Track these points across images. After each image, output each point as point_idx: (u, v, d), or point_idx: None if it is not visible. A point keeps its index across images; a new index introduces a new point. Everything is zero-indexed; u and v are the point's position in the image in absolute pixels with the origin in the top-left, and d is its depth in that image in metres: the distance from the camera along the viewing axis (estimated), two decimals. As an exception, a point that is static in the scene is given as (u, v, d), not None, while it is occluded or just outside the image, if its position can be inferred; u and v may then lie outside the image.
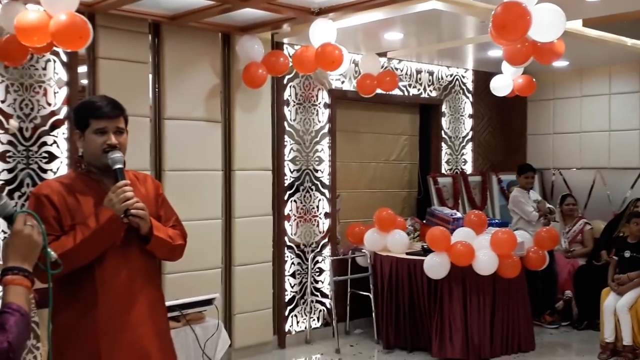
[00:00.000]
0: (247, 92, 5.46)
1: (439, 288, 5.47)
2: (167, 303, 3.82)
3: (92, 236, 2.47)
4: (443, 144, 7.44)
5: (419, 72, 7.13)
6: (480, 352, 5.45)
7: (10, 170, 4.38)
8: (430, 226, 5.99)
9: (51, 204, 2.52)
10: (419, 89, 7.14)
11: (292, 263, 5.99)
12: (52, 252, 1.87)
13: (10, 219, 1.81)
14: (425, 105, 7.38)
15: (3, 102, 4.35)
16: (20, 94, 4.43)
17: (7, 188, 4.36)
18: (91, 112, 2.60)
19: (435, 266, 5.39)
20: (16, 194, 4.40)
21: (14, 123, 4.41)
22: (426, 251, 5.58)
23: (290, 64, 5.38)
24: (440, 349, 5.41)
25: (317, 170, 6.15)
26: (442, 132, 7.42)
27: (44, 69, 4.53)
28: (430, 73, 7.25)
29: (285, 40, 5.78)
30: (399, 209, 7.12)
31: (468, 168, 7.70)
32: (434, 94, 7.30)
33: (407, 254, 5.83)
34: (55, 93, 4.59)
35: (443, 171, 7.42)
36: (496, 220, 6.61)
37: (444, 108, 7.42)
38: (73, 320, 2.53)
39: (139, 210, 2.53)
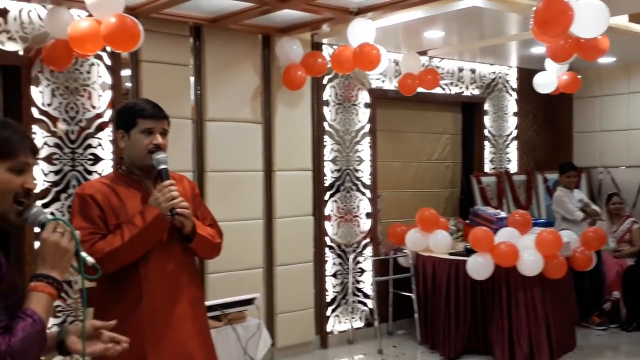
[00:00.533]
0: (288, 92, 5.48)
1: (482, 289, 5.40)
2: (209, 302, 3.89)
3: (139, 234, 2.53)
4: (486, 143, 7.34)
5: (460, 70, 7.04)
6: (525, 354, 5.35)
7: (57, 172, 4.49)
8: (474, 226, 5.91)
9: (96, 204, 2.59)
10: (460, 87, 7.05)
11: (334, 263, 5.98)
12: (89, 257, 1.84)
13: (43, 227, 1.81)
14: (468, 104, 7.29)
15: (49, 105, 4.46)
16: (66, 97, 4.53)
17: (54, 189, 4.47)
18: (139, 112, 2.65)
19: (479, 267, 5.31)
20: (63, 196, 4.50)
21: (62, 126, 4.52)
22: (469, 251, 5.51)
23: (329, 64, 5.38)
24: (484, 351, 5.33)
25: (357, 170, 6.13)
26: (486, 130, 7.32)
27: (89, 72, 4.63)
28: (473, 71, 7.15)
29: (325, 41, 5.78)
30: (441, 208, 7.05)
31: (512, 167, 7.57)
32: (476, 92, 7.20)
33: (450, 254, 5.76)
34: (99, 96, 4.69)
35: (486, 170, 7.31)
36: (541, 220, 6.48)
37: (486, 106, 7.31)
38: (119, 318, 2.50)
39: (184, 210, 2.59)
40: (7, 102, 4.41)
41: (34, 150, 1.79)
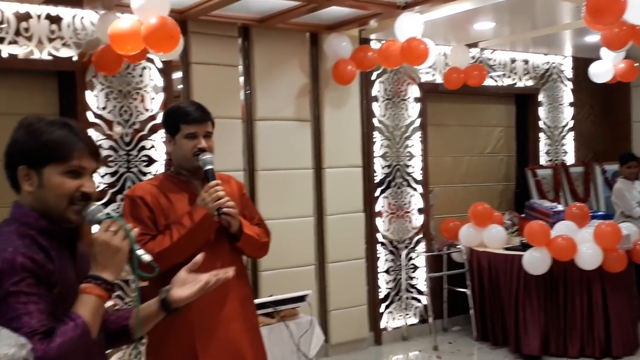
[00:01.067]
0: (336, 90, 5.48)
1: (539, 284, 5.28)
2: (261, 300, 3.93)
3: (188, 234, 2.57)
4: (541, 135, 7.17)
5: (513, 61, 6.90)
6: (584, 350, 5.22)
7: (112, 174, 4.60)
8: (529, 220, 5.78)
9: (145, 205, 2.64)
10: (513, 79, 6.91)
11: (386, 259, 5.95)
12: (146, 255, 1.80)
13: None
14: (521, 95, 7.14)
15: (104, 109, 4.57)
16: (120, 101, 4.64)
17: (110, 191, 4.59)
18: (182, 118, 2.70)
19: (535, 261, 5.20)
20: (118, 197, 4.61)
21: (117, 129, 4.63)
22: (525, 246, 5.40)
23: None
24: (541, 347, 5.22)
25: (408, 166, 6.09)
26: (540, 122, 7.15)
27: (141, 76, 4.73)
28: (525, 62, 7.00)
29: (373, 37, 5.75)
30: (495, 203, 6.92)
31: (569, 159, 7.38)
32: (530, 83, 7.04)
33: (505, 249, 5.66)
34: (152, 99, 4.78)
35: (542, 163, 7.15)
36: (600, 213, 6.30)
37: (541, 97, 7.15)
38: (167, 321, 2.52)
39: (231, 209, 2.62)
40: (63, 106, 4.55)
41: (94, 154, 1.77)
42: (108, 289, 1.71)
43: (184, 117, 2.69)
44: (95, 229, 1.75)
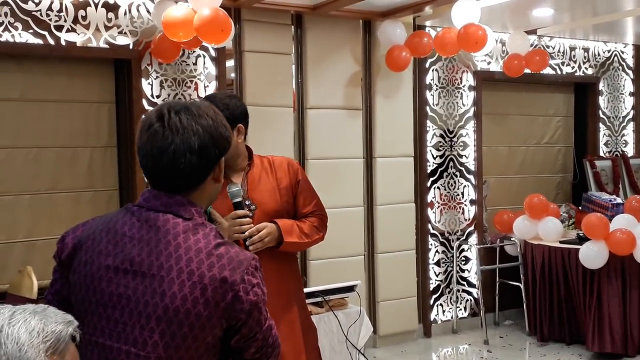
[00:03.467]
0: (388, 78, 5.41)
1: (596, 278, 5.14)
2: (310, 289, 3.92)
3: None
4: (601, 125, 6.95)
5: (572, 49, 6.69)
6: (637, 346, 5.07)
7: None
8: (587, 213, 5.63)
9: None
10: (573, 67, 6.71)
11: (437, 251, 5.87)
12: None
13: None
14: (581, 84, 6.92)
15: (158, 97, 4.62)
16: (174, 89, 4.68)
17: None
18: None
19: (592, 255, 5.05)
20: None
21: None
22: (582, 239, 5.25)
23: (432, 47, 5.25)
24: (597, 343, 5.08)
25: (461, 156, 5.98)
26: (600, 112, 6.93)
27: (195, 64, 4.76)
28: (586, 49, 6.78)
29: (428, 23, 5.65)
30: (552, 194, 6.76)
31: (629, 150, 7.13)
32: (589, 71, 6.82)
33: (561, 242, 5.51)
34: (205, 87, 4.81)
35: (601, 154, 6.92)
36: (661, 207, 6.06)
37: (601, 86, 6.92)
38: None
39: (256, 245, 2.57)
40: (118, 94, 4.61)
41: None
42: None
43: None
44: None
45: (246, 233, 2.55)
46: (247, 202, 2.64)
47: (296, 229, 2.71)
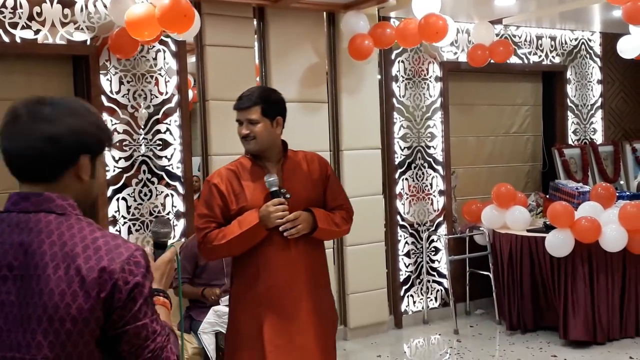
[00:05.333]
0: (354, 70, 5.39)
1: (563, 266, 5.16)
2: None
3: (238, 237, 2.77)
4: (569, 113, 6.97)
5: (539, 37, 6.70)
6: (609, 334, 5.12)
7: (127, 159, 4.60)
8: (554, 201, 5.65)
9: (218, 193, 2.85)
10: (540, 56, 6.72)
11: (406, 242, 5.87)
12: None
13: (160, 246, 1.97)
14: (548, 73, 6.94)
15: (118, 92, 4.56)
16: (133, 85, 4.62)
17: (125, 175, 4.59)
18: (234, 106, 2.95)
19: (558, 243, 5.07)
20: (133, 181, 4.62)
21: (143, 111, 4.62)
22: (548, 228, 5.27)
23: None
24: (566, 330, 5.11)
25: (429, 147, 5.97)
26: (568, 100, 6.95)
27: (155, 59, 4.70)
28: (553, 38, 6.80)
29: (392, 14, 5.62)
30: (521, 184, 6.79)
31: (598, 137, 7.17)
32: (557, 60, 6.84)
33: (528, 231, 5.53)
34: (166, 82, 4.75)
35: (570, 142, 6.96)
36: (626, 193, 6.13)
37: (569, 74, 6.94)
38: (241, 290, 2.90)
39: (291, 231, 2.79)
40: (77, 90, 4.55)
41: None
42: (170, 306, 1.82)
43: (235, 104, 2.95)
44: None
45: (284, 220, 2.76)
46: (282, 191, 2.82)
47: (329, 218, 2.92)
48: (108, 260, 1.44)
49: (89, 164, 1.56)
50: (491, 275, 5.75)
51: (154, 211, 4.68)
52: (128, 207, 4.60)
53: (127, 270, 1.46)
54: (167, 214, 4.73)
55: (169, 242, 2.00)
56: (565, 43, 6.89)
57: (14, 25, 4.20)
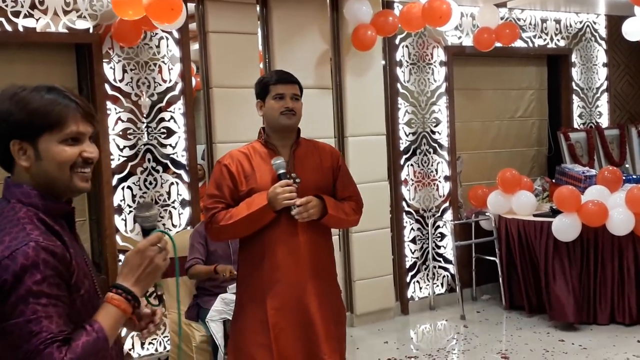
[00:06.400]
0: (358, 56, 5.35)
1: (569, 251, 5.15)
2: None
3: (246, 218, 2.77)
4: (574, 97, 6.94)
5: (544, 21, 6.65)
6: (617, 317, 5.11)
7: (131, 147, 4.58)
8: (560, 185, 5.62)
9: (229, 173, 2.86)
10: (545, 39, 6.67)
11: (412, 229, 5.86)
12: (161, 285, 1.91)
13: (146, 232, 1.76)
14: (553, 56, 6.90)
15: (121, 81, 4.54)
16: (137, 73, 4.59)
17: (130, 164, 4.58)
18: (270, 80, 2.92)
19: (565, 228, 5.06)
20: (138, 169, 4.60)
21: (145, 100, 4.60)
22: (555, 212, 5.26)
23: (399, 25, 5.19)
24: (571, 314, 5.10)
25: (434, 132, 5.95)
26: (573, 83, 6.91)
27: (158, 46, 4.67)
28: (557, 21, 6.74)
29: (396, -1, 5.59)
30: (527, 168, 6.76)
31: (604, 121, 7.14)
32: (562, 43, 6.79)
33: (535, 215, 5.51)
34: (170, 70, 4.73)
35: (575, 126, 6.92)
36: (634, 176, 6.09)
37: (574, 58, 6.89)
38: (247, 274, 2.91)
39: (302, 215, 2.77)
40: (80, 79, 4.53)
41: (88, 116, 1.64)
42: (135, 306, 1.63)
43: (272, 79, 2.92)
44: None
45: (297, 202, 2.75)
46: (292, 175, 2.85)
47: (338, 206, 2.92)
48: None
49: (28, 147, 1.58)
50: (497, 261, 5.74)
51: (159, 199, 4.68)
52: (133, 196, 4.59)
53: (3, 265, 1.46)
54: (173, 202, 4.72)
55: (154, 227, 1.76)
56: (570, 26, 6.84)
57: (17, 14, 4.18)
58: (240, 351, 2.88)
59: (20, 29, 4.19)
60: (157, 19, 3.98)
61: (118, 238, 4.53)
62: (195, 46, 4.93)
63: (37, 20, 4.24)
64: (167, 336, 4.61)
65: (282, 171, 2.81)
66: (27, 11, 4.21)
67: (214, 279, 4.02)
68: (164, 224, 4.69)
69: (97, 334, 1.51)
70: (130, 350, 4.61)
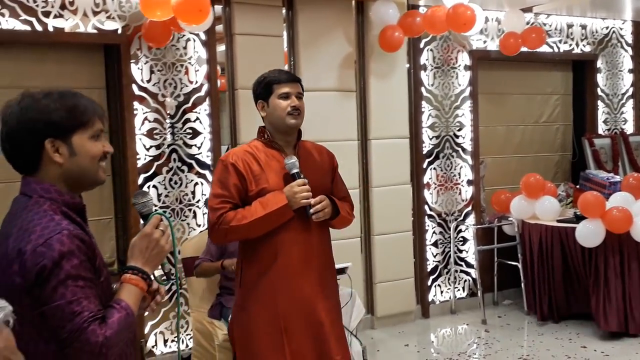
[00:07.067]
0: (382, 59, 5.36)
1: (593, 257, 5.11)
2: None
3: (264, 217, 2.71)
4: (599, 103, 6.89)
5: (570, 26, 6.62)
6: (638, 325, 5.05)
7: (157, 147, 4.64)
8: (584, 191, 5.58)
9: (236, 172, 2.78)
10: (570, 45, 6.63)
11: (434, 232, 5.85)
12: (168, 264, 1.92)
13: (146, 218, 1.88)
14: (579, 62, 6.85)
15: (148, 81, 4.60)
16: (164, 74, 4.65)
17: (156, 163, 4.63)
18: (274, 80, 2.87)
19: (589, 234, 5.02)
20: (164, 169, 4.66)
21: (169, 101, 4.66)
22: (579, 218, 5.22)
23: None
24: (598, 321, 5.06)
25: (458, 136, 5.94)
26: (598, 89, 6.86)
27: (185, 48, 4.72)
28: (583, 27, 6.70)
29: (421, 2, 5.59)
30: (551, 173, 6.72)
31: (629, 127, 7.07)
32: (587, 49, 6.75)
33: (558, 221, 5.48)
34: (196, 71, 4.78)
35: (600, 132, 6.87)
36: (660, 184, 6.01)
37: (599, 64, 6.85)
38: (254, 276, 2.83)
39: (318, 214, 2.77)
40: (108, 79, 4.59)
41: (102, 115, 1.83)
42: (149, 283, 1.79)
43: (277, 78, 2.88)
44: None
45: (310, 200, 2.74)
46: (302, 175, 2.81)
47: (342, 206, 2.94)
48: (25, 242, 1.56)
49: (61, 145, 1.69)
50: (520, 266, 5.71)
51: (184, 199, 4.72)
52: (159, 195, 4.65)
53: (39, 252, 1.55)
54: (197, 202, 4.77)
55: (151, 212, 1.89)
56: (596, 32, 6.79)
57: (47, 14, 4.25)
58: (252, 355, 2.83)
59: (50, 29, 4.27)
60: (185, 20, 4.03)
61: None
62: (221, 48, 4.98)
63: (67, 20, 4.31)
64: (190, 334, 4.65)
65: (295, 170, 2.78)
66: (57, 11, 4.28)
67: (233, 279, 4.05)
68: (188, 224, 4.74)
69: (126, 310, 1.66)
70: (153, 347, 4.66)
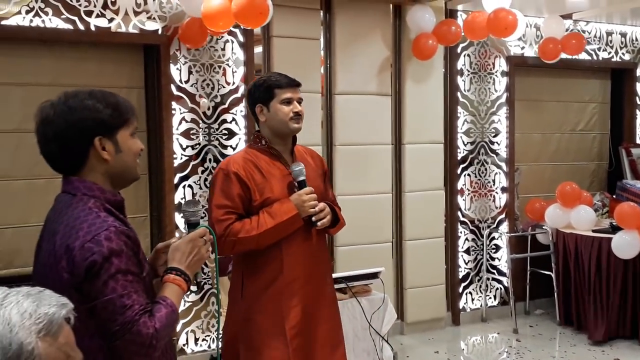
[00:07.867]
0: (419, 63, 5.34)
1: (630, 268, 5.03)
2: (334, 275, 3.91)
3: (274, 228, 2.65)
4: (638, 112, 6.77)
5: (609, 33, 6.52)
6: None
7: (194, 147, 4.68)
8: (621, 202, 5.50)
9: (239, 182, 2.69)
10: (609, 52, 6.54)
11: (466, 239, 5.81)
12: (200, 273, 2.07)
13: (191, 226, 1.99)
14: (617, 70, 6.75)
15: (187, 82, 4.64)
16: (202, 74, 4.69)
17: (192, 163, 4.67)
18: (275, 84, 2.78)
19: (625, 245, 4.95)
20: (200, 169, 4.69)
21: (205, 102, 4.70)
22: (615, 229, 5.14)
23: (463, 32, 5.16)
24: (633, 336, 4.98)
25: (493, 143, 5.89)
26: (637, 98, 6.75)
27: (223, 49, 4.76)
28: (623, 34, 6.60)
29: (460, 7, 5.55)
30: (586, 182, 6.63)
31: (668, 138, 6.94)
32: (627, 57, 6.64)
33: (594, 231, 5.40)
34: (233, 72, 4.81)
35: (638, 141, 6.75)
36: (699, 196, 5.90)
37: (639, 72, 6.73)
38: (259, 287, 2.75)
39: (323, 221, 2.74)
40: (147, 79, 4.64)
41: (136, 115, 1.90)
42: (189, 287, 1.86)
43: (278, 83, 2.79)
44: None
45: (316, 209, 2.71)
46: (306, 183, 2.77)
47: (339, 213, 2.90)
48: (73, 238, 1.60)
49: (108, 142, 1.74)
50: (553, 275, 5.64)
51: (218, 199, 4.75)
52: (193, 195, 4.69)
53: (87, 248, 1.59)
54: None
55: (199, 221, 2.02)
56: (636, 40, 6.68)
57: (89, 14, 4.31)
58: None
59: (92, 28, 4.33)
60: (247, 24, 4.10)
61: (177, 234, 4.62)
62: (258, 49, 5.01)
63: (109, 20, 4.37)
64: (221, 333, 4.67)
65: (302, 178, 2.72)
66: (100, 11, 4.34)
67: None
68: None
69: (171, 307, 1.73)
70: (184, 345, 4.70)
